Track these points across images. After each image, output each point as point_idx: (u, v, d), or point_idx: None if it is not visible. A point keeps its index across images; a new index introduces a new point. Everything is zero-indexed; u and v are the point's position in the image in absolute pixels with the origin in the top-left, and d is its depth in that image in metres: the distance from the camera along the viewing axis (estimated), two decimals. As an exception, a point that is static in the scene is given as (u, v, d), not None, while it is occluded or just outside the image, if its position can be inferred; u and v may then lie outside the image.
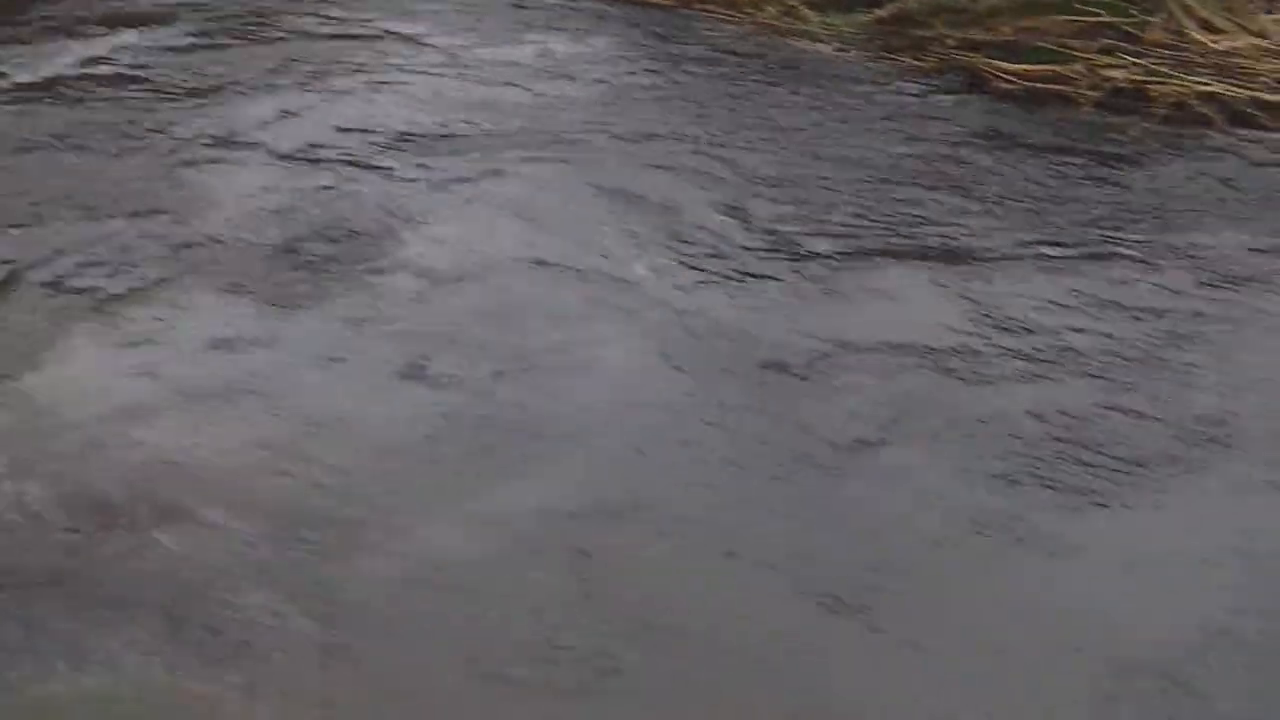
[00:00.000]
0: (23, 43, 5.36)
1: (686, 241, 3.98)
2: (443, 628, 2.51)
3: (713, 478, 2.97)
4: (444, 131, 4.72)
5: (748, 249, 3.96)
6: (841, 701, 2.39)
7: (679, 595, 2.61)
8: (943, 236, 4.07)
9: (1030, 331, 3.57)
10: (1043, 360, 3.43)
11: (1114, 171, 4.62)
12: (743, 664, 2.45)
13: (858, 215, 4.19)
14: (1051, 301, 3.71)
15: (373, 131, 4.67)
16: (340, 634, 2.47)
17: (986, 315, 3.63)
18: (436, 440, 3.05)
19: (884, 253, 3.97)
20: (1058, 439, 3.11)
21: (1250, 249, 4.05)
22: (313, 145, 4.55)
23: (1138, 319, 3.65)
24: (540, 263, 3.85)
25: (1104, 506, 2.90)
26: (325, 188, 4.25)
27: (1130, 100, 5.17)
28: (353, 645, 2.45)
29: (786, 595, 2.62)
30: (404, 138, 4.64)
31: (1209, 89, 5.10)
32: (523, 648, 2.46)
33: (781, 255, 3.93)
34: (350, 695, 2.35)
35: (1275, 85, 5.06)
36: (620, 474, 2.97)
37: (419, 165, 4.43)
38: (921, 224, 4.15)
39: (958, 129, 4.92)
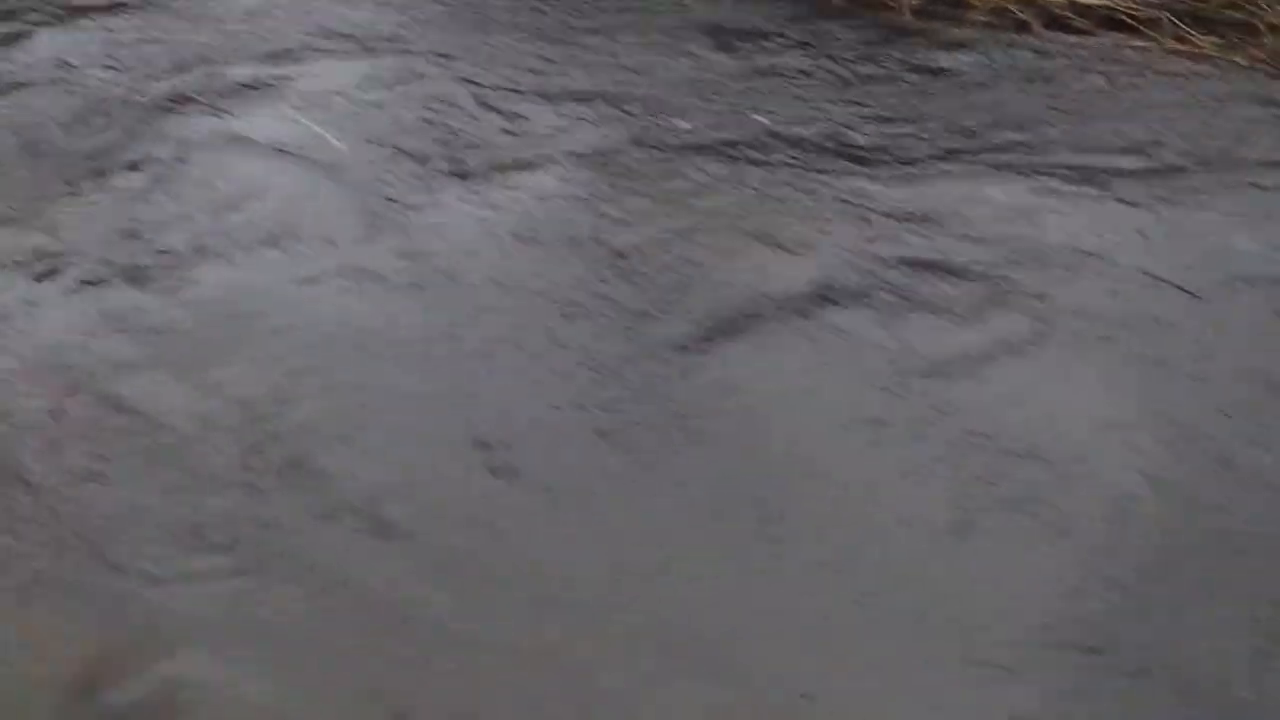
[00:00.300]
0: None
1: (426, 135, 4.04)
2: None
3: (405, 350, 3.20)
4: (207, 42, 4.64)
5: (489, 144, 4.00)
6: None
7: (361, 464, 2.90)
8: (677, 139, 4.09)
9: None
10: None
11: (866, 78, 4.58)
12: (418, 518, 2.77)
13: (606, 118, 4.17)
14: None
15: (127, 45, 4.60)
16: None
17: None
18: (145, 329, 3.26)
19: (618, 150, 3.99)
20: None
21: (945, 150, 4.07)
22: (64, 68, 4.48)
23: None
24: (276, 151, 3.94)
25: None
26: (73, 109, 4.22)
27: (949, 7, 5.03)
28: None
29: (456, 450, 2.93)
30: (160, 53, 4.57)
31: (1026, -8, 4.95)
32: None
33: (523, 152, 3.97)
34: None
35: (1089, -13, 4.90)
36: (316, 350, 3.18)
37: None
38: (668, 128, 4.13)
39: (746, 34, 4.79)
